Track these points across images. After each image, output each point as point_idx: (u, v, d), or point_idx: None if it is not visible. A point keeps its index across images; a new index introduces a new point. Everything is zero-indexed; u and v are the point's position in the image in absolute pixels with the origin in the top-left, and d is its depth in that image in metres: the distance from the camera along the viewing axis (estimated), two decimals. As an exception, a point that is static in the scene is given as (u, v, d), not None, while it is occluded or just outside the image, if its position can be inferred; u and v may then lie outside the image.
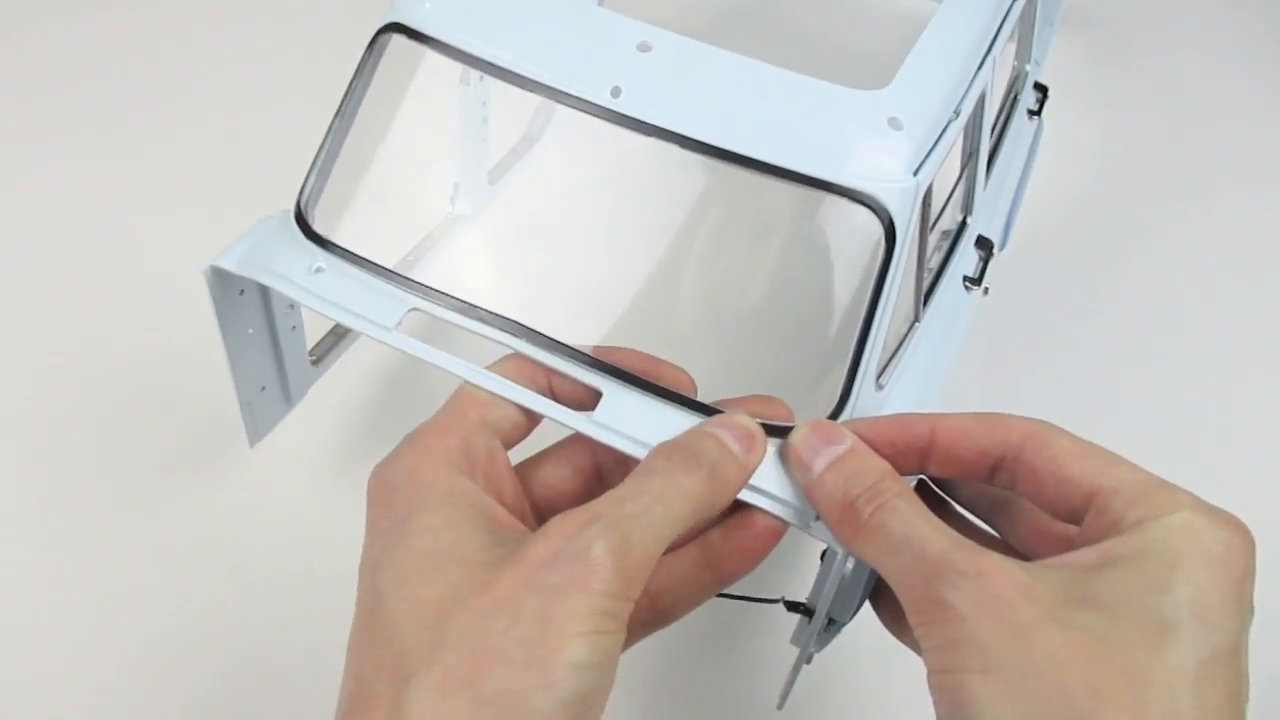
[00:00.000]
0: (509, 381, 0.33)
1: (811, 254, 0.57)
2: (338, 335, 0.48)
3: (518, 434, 0.34)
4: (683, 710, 0.44)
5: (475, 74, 0.50)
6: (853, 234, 0.43)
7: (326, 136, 0.39)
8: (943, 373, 0.39)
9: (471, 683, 0.25)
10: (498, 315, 0.34)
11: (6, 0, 0.72)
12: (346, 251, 0.36)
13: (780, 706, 0.38)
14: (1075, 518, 0.28)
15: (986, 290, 0.44)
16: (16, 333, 0.54)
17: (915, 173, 0.33)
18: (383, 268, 0.36)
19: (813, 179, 0.32)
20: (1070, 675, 0.24)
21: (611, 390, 0.33)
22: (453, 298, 0.35)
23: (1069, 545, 0.28)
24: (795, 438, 0.31)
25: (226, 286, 0.38)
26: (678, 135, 0.33)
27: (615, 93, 0.34)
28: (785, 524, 0.32)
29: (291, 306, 0.42)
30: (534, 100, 0.49)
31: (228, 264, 0.37)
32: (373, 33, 0.38)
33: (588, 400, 0.34)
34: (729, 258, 0.59)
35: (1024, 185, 0.52)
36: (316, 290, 0.35)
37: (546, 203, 0.59)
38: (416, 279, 0.36)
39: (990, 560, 0.26)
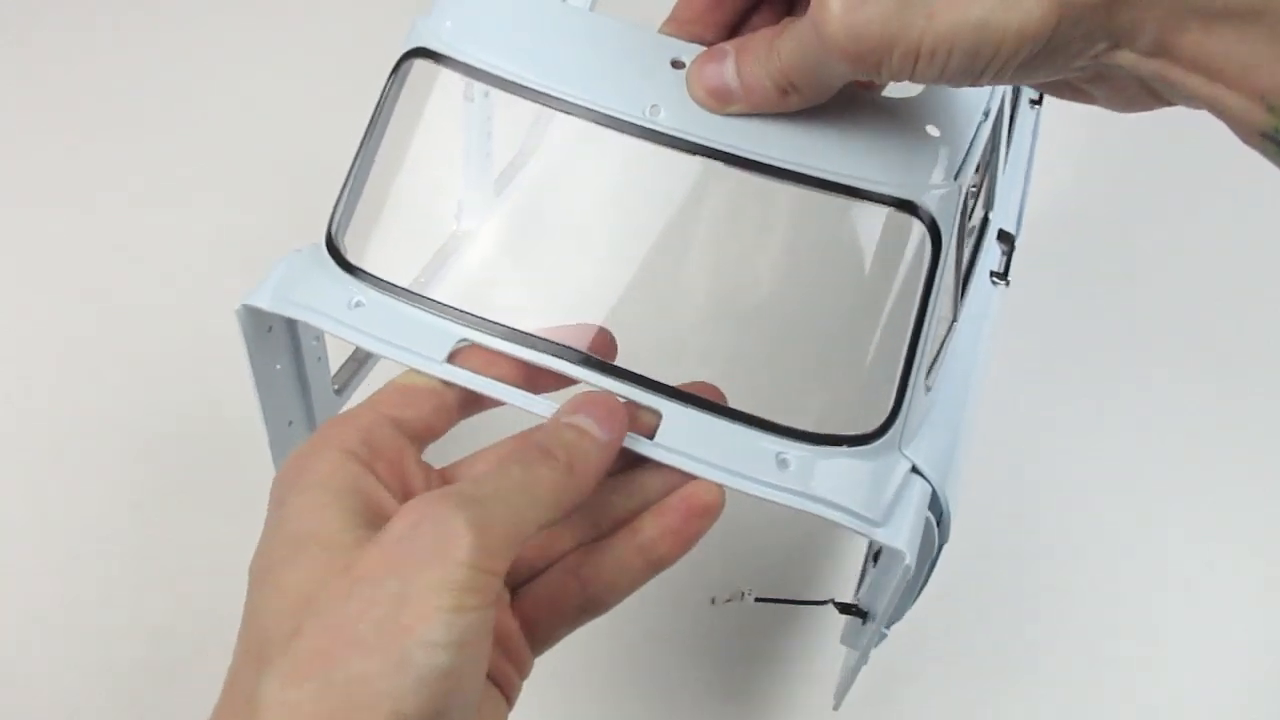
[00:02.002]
0: (549, 401, 0.33)
1: (830, 260, 0.57)
2: (358, 362, 0.47)
3: (430, 434, 0.33)
4: (736, 712, 0.44)
5: (480, 90, 0.49)
6: (869, 238, 0.43)
7: (354, 163, 0.38)
8: (979, 367, 0.40)
9: (323, 670, 0.25)
10: (552, 343, 0.34)
11: (14, 1, 0.70)
12: (387, 284, 0.36)
13: (836, 707, 0.39)
14: None
15: (1008, 282, 0.44)
16: (29, 337, 0.54)
17: (955, 176, 0.33)
18: (427, 299, 0.35)
19: (856, 190, 0.33)
20: None
21: (672, 412, 0.33)
22: (503, 326, 0.34)
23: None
24: (690, 86, 0.33)
25: (256, 324, 0.37)
26: (721, 152, 0.33)
27: (654, 111, 0.33)
28: (719, 504, 0.32)
29: (318, 338, 0.41)
30: (534, 109, 0.48)
31: (260, 302, 0.36)
32: (381, 45, 0.37)
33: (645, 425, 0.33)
34: (741, 263, 0.59)
35: (1030, 174, 0.53)
36: (361, 326, 0.35)
37: (552, 213, 0.59)
38: (449, 303, 0.35)
39: None
